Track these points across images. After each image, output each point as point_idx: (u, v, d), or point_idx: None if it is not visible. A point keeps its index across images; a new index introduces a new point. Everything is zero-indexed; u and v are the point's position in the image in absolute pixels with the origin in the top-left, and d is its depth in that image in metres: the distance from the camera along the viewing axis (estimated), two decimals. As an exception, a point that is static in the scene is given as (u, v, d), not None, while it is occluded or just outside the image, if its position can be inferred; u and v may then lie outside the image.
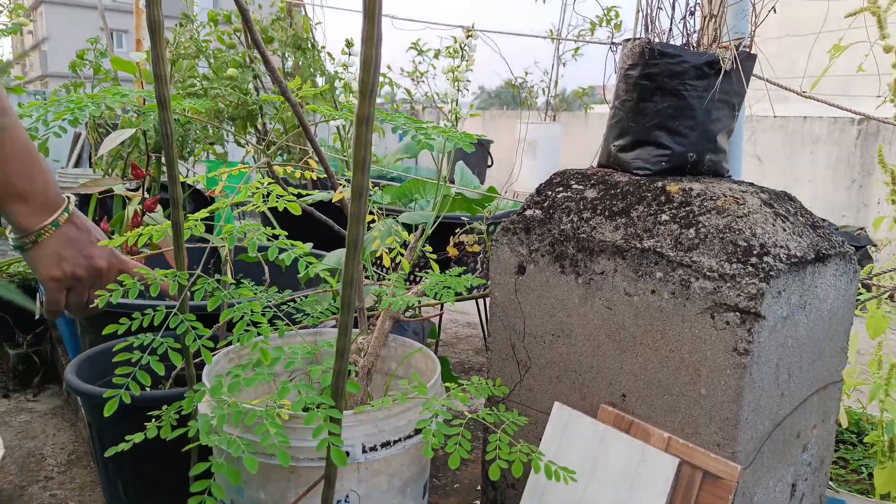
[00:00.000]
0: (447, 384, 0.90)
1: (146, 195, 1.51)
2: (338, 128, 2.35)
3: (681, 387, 0.81)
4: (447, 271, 1.10)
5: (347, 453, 0.79)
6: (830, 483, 1.06)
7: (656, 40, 0.96)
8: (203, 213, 0.84)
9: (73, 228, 0.78)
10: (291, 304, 1.09)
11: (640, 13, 1.00)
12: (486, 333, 1.93)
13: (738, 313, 0.76)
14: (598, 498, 0.83)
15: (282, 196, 0.84)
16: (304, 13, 2.71)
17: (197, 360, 0.81)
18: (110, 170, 2.12)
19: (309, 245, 0.82)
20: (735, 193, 0.85)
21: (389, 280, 1.06)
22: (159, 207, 1.57)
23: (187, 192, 1.88)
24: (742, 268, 0.76)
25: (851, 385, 1.17)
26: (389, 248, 1.07)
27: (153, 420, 0.78)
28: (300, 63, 2.43)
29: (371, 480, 0.84)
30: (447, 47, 1.59)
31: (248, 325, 0.76)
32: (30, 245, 0.76)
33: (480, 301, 1.80)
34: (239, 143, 2.18)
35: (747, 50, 0.96)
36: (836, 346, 0.93)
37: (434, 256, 1.17)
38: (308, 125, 1.05)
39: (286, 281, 1.36)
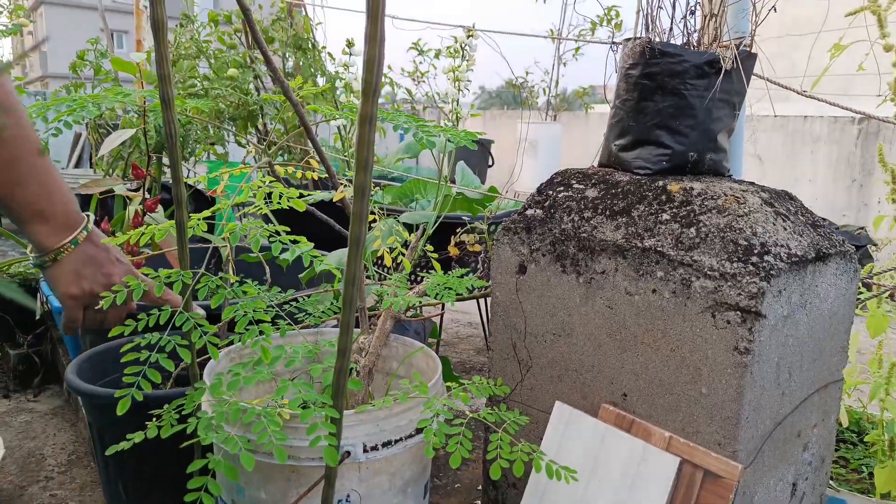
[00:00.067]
0: (448, 384, 0.90)
1: (147, 195, 1.51)
2: (338, 128, 2.35)
3: (682, 386, 0.82)
4: (449, 271, 1.10)
5: (348, 453, 0.79)
6: (831, 482, 1.06)
7: (657, 39, 0.96)
8: (206, 213, 0.84)
9: (91, 247, 0.79)
10: (293, 303, 1.09)
11: (641, 13, 1.00)
12: (486, 333, 1.93)
13: (738, 312, 0.76)
14: (599, 497, 0.83)
15: (284, 194, 0.84)
16: (304, 13, 2.72)
17: (200, 359, 0.81)
18: (111, 170, 2.12)
19: (310, 245, 0.82)
20: (736, 193, 0.85)
21: (391, 280, 1.06)
22: (160, 208, 1.57)
23: (188, 192, 1.88)
24: (743, 267, 0.76)
25: (852, 384, 1.17)
26: (391, 248, 1.07)
27: (154, 419, 0.78)
28: (301, 63, 2.43)
29: (372, 480, 0.84)
30: (448, 47, 1.59)
31: (249, 322, 0.76)
32: (49, 263, 0.77)
33: (481, 301, 1.80)
34: (240, 144, 2.18)
35: (748, 49, 0.96)
36: (836, 345, 0.93)
37: (435, 256, 1.17)
38: (309, 125, 1.05)
39: (287, 281, 1.36)
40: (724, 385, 0.78)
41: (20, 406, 1.79)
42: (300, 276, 1.44)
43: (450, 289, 1.02)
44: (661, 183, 0.90)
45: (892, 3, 1.12)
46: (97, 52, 2.25)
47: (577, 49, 5.38)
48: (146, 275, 0.78)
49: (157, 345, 0.72)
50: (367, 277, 1.17)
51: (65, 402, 1.81)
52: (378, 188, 2.21)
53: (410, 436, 0.85)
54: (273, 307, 0.85)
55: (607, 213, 0.91)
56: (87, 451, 1.52)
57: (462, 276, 1.07)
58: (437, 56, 3.32)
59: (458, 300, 1.02)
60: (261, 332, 0.78)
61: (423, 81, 3.79)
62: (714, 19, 0.96)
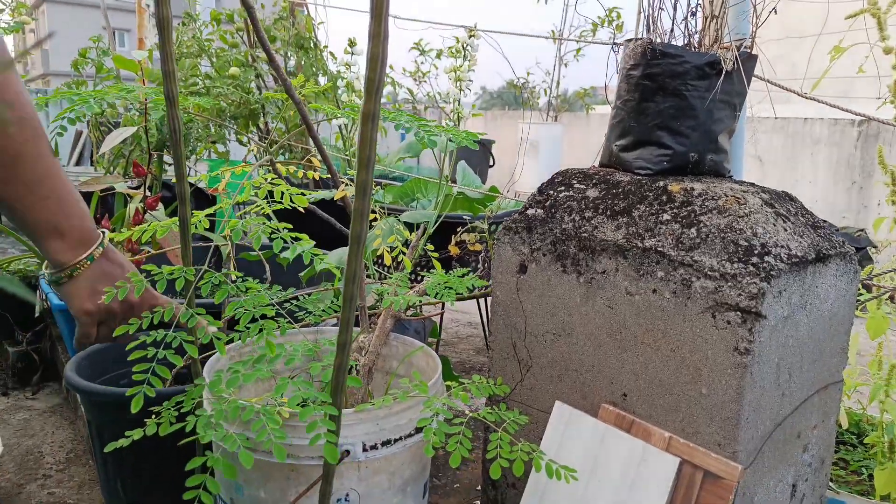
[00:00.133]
0: (448, 383, 0.90)
1: (147, 193, 1.51)
2: (340, 127, 2.36)
3: (682, 386, 0.82)
4: (449, 271, 1.10)
5: (348, 452, 0.79)
6: (831, 484, 1.06)
7: (658, 41, 0.96)
8: (208, 210, 0.84)
9: (107, 263, 0.79)
10: (293, 302, 1.10)
11: (642, 14, 1.00)
12: (486, 332, 1.93)
13: (739, 313, 0.76)
14: (598, 497, 0.83)
15: (286, 192, 0.84)
16: (306, 13, 2.72)
17: (201, 356, 0.81)
18: (112, 168, 2.12)
19: (311, 243, 0.82)
20: (736, 193, 0.85)
21: (391, 279, 1.06)
22: (160, 206, 1.57)
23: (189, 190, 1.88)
24: (743, 267, 0.76)
25: (852, 386, 1.17)
26: (391, 247, 1.07)
27: (153, 416, 0.78)
28: (302, 62, 2.44)
29: (371, 479, 0.84)
30: (450, 47, 1.59)
31: (252, 319, 0.77)
32: (65, 279, 0.78)
33: (481, 300, 1.81)
34: (241, 142, 2.18)
35: (748, 51, 0.96)
36: (836, 346, 0.93)
37: (436, 255, 1.18)
38: (311, 122, 1.05)
39: (287, 280, 1.35)
40: (724, 385, 0.78)
41: (19, 404, 1.79)
42: (300, 274, 1.44)
43: (450, 288, 1.02)
44: (661, 183, 0.90)
45: (892, 6, 1.12)
46: (99, 50, 2.25)
47: (579, 50, 5.38)
48: (149, 272, 0.78)
49: (164, 341, 0.72)
50: (368, 276, 1.17)
51: (63, 399, 1.81)
52: (379, 187, 2.21)
53: (410, 435, 0.85)
54: (273, 305, 0.85)
55: (608, 213, 0.91)
56: (86, 449, 1.52)
57: (462, 276, 1.07)
58: (438, 56, 3.33)
59: (458, 299, 1.02)
60: (260, 330, 0.78)
61: (425, 81, 3.79)
62: (715, 21, 0.96)
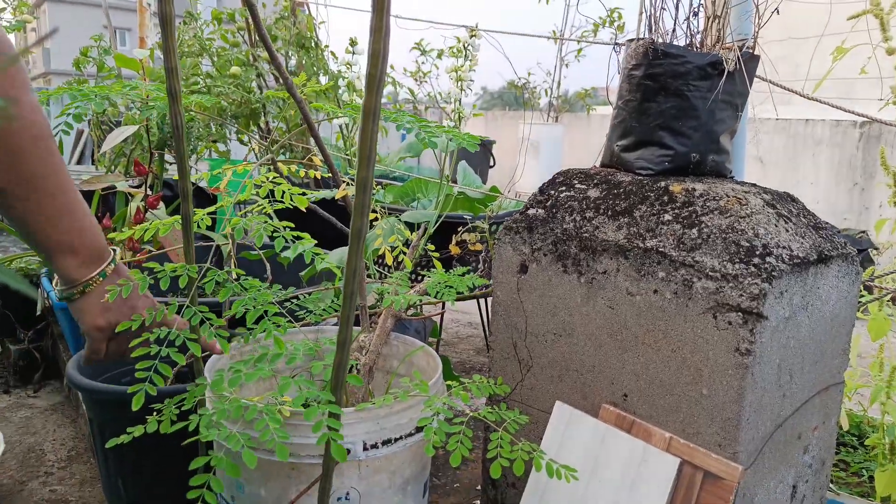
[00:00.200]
0: (448, 382, 0.90)
1: (149, 192, 1.51)
2: (340, 126, 2.36)
3: (682, 387, 0.82)
4: (450, 270, 1.10)
5: (348, 450, 0.79)
6: (831, 485, 1.06)
7: (660, 41, 0.96)
8: (209, 209, 0.84)
9: (118, 279, 0.80)
10: (294, 301, 1.10)
11: (644, 14, 1.00)
12: (487, 332, 1.93)
13: (740, 313, 0.76)
14: (599, 497, 0.83)
15: (288, 191, 0.84)
16: (307, 12, 2.72)
17: (203, 354, 0.81)
18: (113, 166, 2.12)
19: (313, 242, 0.82)
20: (738, 194, 0.85)
21: (392, 278, 1.06)
22: (162, 205, 1.57)
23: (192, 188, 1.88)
24: (745, 268, 0.76)
25: (853, 387, 1.17)
26: (392, 247, 1.07)
27: (154, 414, 0.78)
28: (303, 62, 2.44)
29: (372, 478, 0.84)
30: (451, 47, 1.59)
31: (259, 317, 0.77)
32: (77, 296, 0.78)
33: (482, 301, 1.81)
34: (242, 142, 2.18)
35: (751, 51, 0.96)
36: (837, 347, 0.93)
37: (437, 255, 1.18)
38: (312, 121, 1.05)
39: (288, 279, 1.36)
40: (724, 386, 0.78)
41: (20, 402, 1.79)
42: (301, 274, 1.45)
43: (451, 287, 1.02)
44: (663, 184, 0.90)
45: (895, 7, 1.12)
46: (100, 49, 2.25)
47: (580, 51, 5.38)
48: (151, 269, 0.78)
49: (167, 339, 0.73)
50: (369, 276, 1.17)
51: (65, 397, 1.81)
52: (380, 187, 2.21)
53: (410, 434, 0.85)
54: (274, 304, 0.85)
55: (609, 213, 0.91)
56: (87, 447, 1.52)
57: (463, 274, 1.07)
58: (439, 56, 3.33)
59: (458, 299, 1.02)
60: (265, 329, 0.78)
61: (426, 81, 3.80)
62: (717, 21, 0.96)
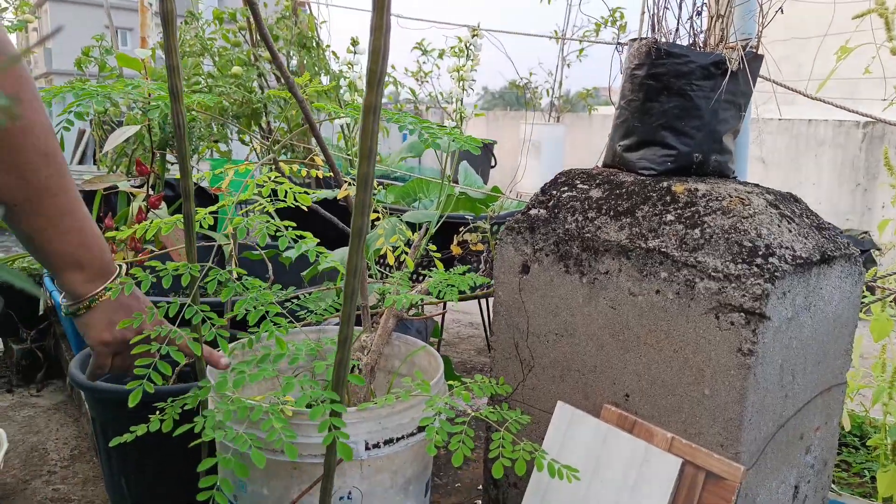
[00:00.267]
0: (450, 382, 0.90)
1: (150, 192, 1.51)
2: (342, 126, 2.36)
3: (684, 387, 0.81)
4: (451, 270, 1.10)
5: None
6: (833, 486, 1.06)
7: (663, 40, 0.96)
8: (211, 208, 0.84)
9: (124, 294, 0.80)
10: (295, 301, 1.10)
11: (647, 13, 0.99)
12: (488, 333, 1.93)
13: (742, 314, 0.75)
14: (600, 497, 0.83)
15: (290, 190, 0.84)
16: (308, 12, 2.72)
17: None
18: (115, 166, 2.12)
19: (315, 241, 0.82)
20: (741, 194, 0.85)
21: (393, 278, 1.06)
22: (164, 204, 1.57)
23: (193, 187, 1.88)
24: (747, 268, 0.76)
25: (855, 388, 1.17)
26: (394, 247, 1.07)
27: (157, 413, 0.78)
28: (305, 61, 2.44)
29: (374, 477, 0.84)
30: (452, 47, 1.59)
31: (262, 317, 0.77)
32: (83, 311, 0.78)
33: (483, 301, 1.80)
34: (243, 142, 2.18)
35: (754, 51, 0.96)
36: (840, 348, 0.92)
37: (438, 255, 1.17)
38: (314, 121, 1.05)
39: (289, 279, 1.36)
40: (727, 387, 0.77)
41: (23, 401, 1.80)
42: (302, 273, 1.45)
43: (452, 286, 1.02)
44: (665, 184, 0.90)
45: (899, 6, 1.11)
46: (102, 49, 2.25)
47: (581, 50, 5.37)
48: (153, 268, 0.78)
49: (168, 337, 0.73)
50: (370, 276, 1.17)
51: (68, 397, 1.81)
52: (381, 187, 2.21)
53: (412, 434, 0.85)
54: (275, 304, 0.85)
55: (611, 213, 0.91)
56: (90, 446, 1.53)
57: (464, 273, 1.07)
58: (440, 56, 3.33)
59: (460, 299, 1.02)
60: (265, 330, 0.78)
61: (427, 81, 3.80)
62: (721, 20, 0.96)
